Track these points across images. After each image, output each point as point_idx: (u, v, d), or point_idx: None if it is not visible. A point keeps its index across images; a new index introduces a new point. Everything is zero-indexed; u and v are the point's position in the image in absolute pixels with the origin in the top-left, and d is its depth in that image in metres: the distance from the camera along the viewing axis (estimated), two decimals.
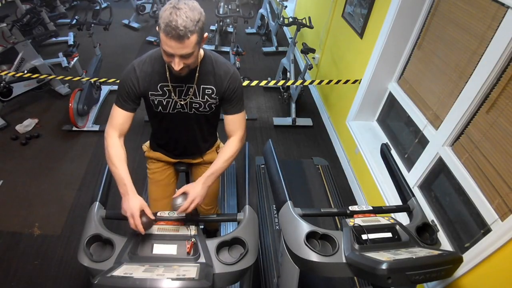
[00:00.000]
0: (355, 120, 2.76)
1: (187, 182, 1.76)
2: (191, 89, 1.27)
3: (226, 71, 1.27)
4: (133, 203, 1.15)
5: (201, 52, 1.25)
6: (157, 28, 1.08)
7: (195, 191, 1.23)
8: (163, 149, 1.54)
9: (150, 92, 1.26)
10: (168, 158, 1.56)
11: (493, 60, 1.46)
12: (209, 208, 1.78)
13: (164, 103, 1.29)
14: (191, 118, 1.36)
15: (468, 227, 1.64)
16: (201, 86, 1.27)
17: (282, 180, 1.43)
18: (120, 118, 1.26)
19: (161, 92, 1.27)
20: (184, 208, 1.20)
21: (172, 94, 1.27)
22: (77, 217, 2.33)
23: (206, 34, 1.13)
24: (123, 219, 1.18)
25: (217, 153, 1.61)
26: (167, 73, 1.23)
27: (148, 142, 1.60)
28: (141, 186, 2.52)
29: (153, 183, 1.62)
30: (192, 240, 1.16)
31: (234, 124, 1.34)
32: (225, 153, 1.32)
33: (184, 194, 1.23)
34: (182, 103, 1.30)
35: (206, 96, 1.29)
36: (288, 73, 3.47)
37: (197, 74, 1.24)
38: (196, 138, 1.48)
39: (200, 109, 1.33)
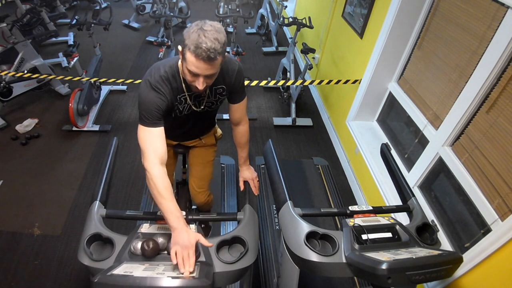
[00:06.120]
0: (355, 120, 2.76)
1: (184, 162, 1.89)
2: (205, 93, 1.33)
3: (233, 68, 1.33)
4: (191, 237, 1.08)
5: None
6: (179, 48, 1.10)
7: (249, 173, 1.56)
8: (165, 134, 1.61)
9: (174, 103, 1.31)
10: (168, 140, 1.63)
11: (493, 60, 1.46)
12: (202, 190, 1.81)
13: (181, 108, 1.36)
14: (199, 114, 1.44)
15: (468, 227, 1.64)
16: (213, 87, 1.33)
17: (282, 180, 1.43)
18: (156, 139, 1.20)
19: (179, 102, 1.33)
20: (256, 187, 1.52)
21: (188, 100, 1.34)
22: (77, 217, 2.33)
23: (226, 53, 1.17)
24: (123, 219, 1.18)
25: (214, 136, 1.73)
26: (183, 85, 1.27)
27: None
28: (141, 186, 2.54)
29: None
30: None
31: (241, 110, 1.47)
32: (245, 137, 1.56)
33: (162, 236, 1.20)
34: (200, 106, 1.38)
35: (217, 95, 1.38)
36: (288, 73, 3.47)
37: None
38: (200, 127, 1.62)
39: (212, 107, 1.43)
